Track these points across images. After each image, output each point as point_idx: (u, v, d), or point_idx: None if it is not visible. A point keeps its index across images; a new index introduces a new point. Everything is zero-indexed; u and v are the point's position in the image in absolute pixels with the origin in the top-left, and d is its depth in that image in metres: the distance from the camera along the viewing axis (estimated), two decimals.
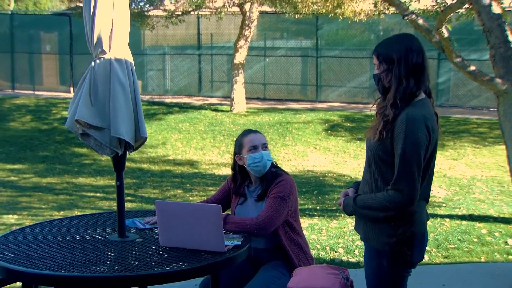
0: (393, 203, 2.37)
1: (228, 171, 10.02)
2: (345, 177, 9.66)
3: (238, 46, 14.30)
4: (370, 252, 2.56)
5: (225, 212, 3.04)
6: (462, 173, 9.46)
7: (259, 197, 3.07)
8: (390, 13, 12.29)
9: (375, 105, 2.54)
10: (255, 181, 3.14)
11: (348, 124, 13.13)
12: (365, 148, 2.58)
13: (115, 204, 2.91)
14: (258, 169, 3.06)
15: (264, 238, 3.06)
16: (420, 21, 5.85)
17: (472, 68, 5.71)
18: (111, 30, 2.77)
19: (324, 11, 12.26)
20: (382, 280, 2.52)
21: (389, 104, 2.40)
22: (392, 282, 2.50)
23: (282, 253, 3.06)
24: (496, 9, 5.18)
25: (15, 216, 7.23)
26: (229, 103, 14.91)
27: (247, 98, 15.04)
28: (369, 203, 2.47)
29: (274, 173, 3.10)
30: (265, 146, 3.10)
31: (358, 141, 11.84)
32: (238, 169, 3.16)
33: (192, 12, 15.04)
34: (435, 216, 6.50)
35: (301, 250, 3.10)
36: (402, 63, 2.39)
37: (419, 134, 2.32)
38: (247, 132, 3.18)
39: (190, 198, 8.22)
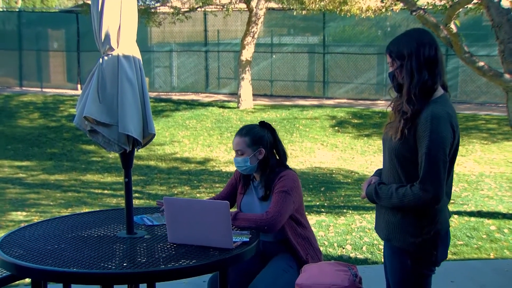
0: (418, 201, 2.31)
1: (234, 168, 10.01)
2: (353, 173, 9.64)
3: (245, 42, 14.28)
4: (392, 252, 2.50)
5: (235, 210, 3.04)
6: (470, 170, 9.41)
7: (263, 198, 3.07)
8: (397, 11, 12.23)
9: (392, 103, 2.48)
10: (256, 176, 3.16)
11: (356, 121, 13.10)
12: (379, 146, 2.53)
13: (123, 200, 2.91)
14: (241, 170, 3.11)
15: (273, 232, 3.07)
16: (428, 17, 5.81)
17: (481, 63, 5.67)
18: (119, 27, 2.76)
19: (330, 7, 12.24)
20: (405, 279, 2.47)
21: (405, 101, 2.35)
22: (417, 282, 2.45)
23: (289, 247, 3.07)
24: (505, 3, 5.15)
25: (24, 213, 7.26)
26: (236, 99, 14.91)
27: (254, 95, 15.04)
28: (389, 198, 2.41)
29: (276, 170, 3.08)
30: (239, 152, 3.08)
31: (365, 138, 11.82)
32: None
33: (198, 9, 15.05)
34: None
35: (309, 244, 3.11)
36: (413, 57, 2.35)
37: (444, 132, 2.28)
38: (236, 132, 3.18)
39: (197, 195, 8.23)
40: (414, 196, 2.32)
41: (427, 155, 2.28)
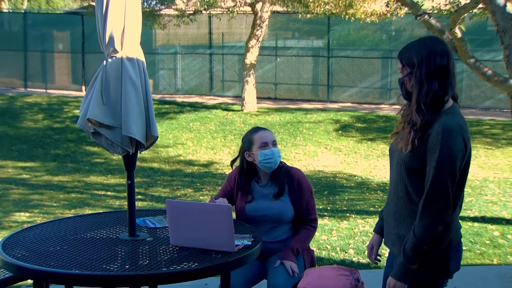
0: (430, 223, 2.23)
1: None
2: (356, 177, 9.62)
3: (250, 45, 14.29)
4: None
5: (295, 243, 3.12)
6: (474, 175, 9.38)
7: (277, 194, 3.13)
8: (402, 16, 12.22)
9: (401, 111, 2.43)
10: (264, 177, 3.16)
11: (359, 125, 13.08)
12: (382, 150, 2.48)
13: (126, 202, 2.91)
14: (270, 165, 3.12)
15: (276, 232, 3.15)
16: (433, 21, 5.81)
17: (486, 69, 5.67)
18: (123, 29, 2.77)
19: (335, 11, 12.24)
20: None
21: (414, 110, 2.29)
22: None
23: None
24: (511, 9, 5.14)
25: (27, 214, 7.27)
26: (240, 102, 14.91)
27: (258, 98, 15.04)
28: (417, 249, 2.27)
29: (283, 168, 3.19)
30: (274, 143, 3.16)
31: (369, 142, 11.80)
32: (246, 165, 3.17)
33: (203, 12, 15.06)
34: None
35: None
36: (423, 66, 2.27)
37: (455, 145, 2.21)
38: (257, 129, 3.21)
39: (201, 198, 8.22)
40: (423, 227, 2.24)
41: (435, 169, 2.21)
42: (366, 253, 5.12)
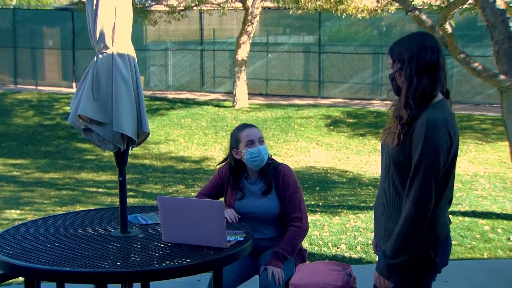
0: (412, 217, 2.23)
1: None
2: (347, 173, 9.65)
3: (241, 41, 14.27)
4: None
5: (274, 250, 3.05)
6: (464, 170, 9.44)
7: (265, 192, 3.12)
8: (392, 11, 12.25)
9: (392, 107, 2.43)
10: (253, 174, 3.17)
11: (351, 120, 13.12)
12: (373, 146, 2.50)
13: (117, 199, 2.91)
14: (256, 163, 3.11)
15: (266, 229, 3.14)
16: (424, 17, 5.82)
17: (476, 64, 5.69)
18: (114, 25, 2.76)
19: (326, 7, 12.25)
20: (405, 286, 2.40)
21: (402, 105, 2.30)
22: None
23: (280, 240, 3.14)
24: (500, 4, 5.16)
25: (18, 211, 7.24)
26: (231, 99, 14.90)
27: (249, 94, 15.03)
28: (397, 244, 2.26)
29: (272, 164, 3.18)
30: (261, 140, 3.14)
31: (360, 137, 11.83)
32: (234, 163, 3.17)
33: (194, 8, 15.03)
34: None
35: None
36: (413, 61, 2.28)
37: (439, 139, 2.20)
38: (243, 126, 3.20)
39: (192, 194, 8.22)
40: (406, 220, 2.24)
41: (417, 162, 2.22)
42: (358, 248, 5.15)
